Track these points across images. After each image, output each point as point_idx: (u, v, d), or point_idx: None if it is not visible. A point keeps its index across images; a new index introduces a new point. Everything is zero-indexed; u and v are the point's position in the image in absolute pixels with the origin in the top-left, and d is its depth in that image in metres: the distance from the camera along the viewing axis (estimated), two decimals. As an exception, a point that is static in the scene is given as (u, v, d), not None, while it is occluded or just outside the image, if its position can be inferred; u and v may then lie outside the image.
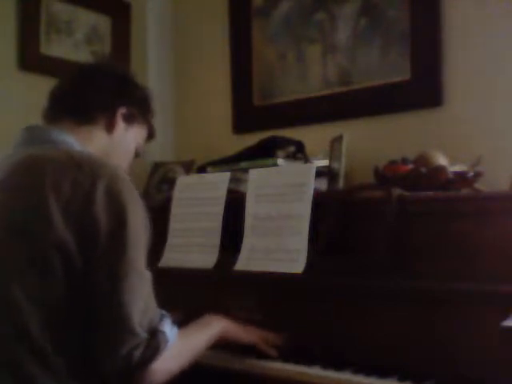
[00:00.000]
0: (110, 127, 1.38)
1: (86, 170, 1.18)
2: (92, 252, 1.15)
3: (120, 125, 1.39)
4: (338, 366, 1.38)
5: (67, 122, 1.35)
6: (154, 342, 1.17)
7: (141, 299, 1.17)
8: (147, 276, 1.21)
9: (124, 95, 1.40)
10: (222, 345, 1.45)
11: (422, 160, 1.65)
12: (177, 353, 1.26)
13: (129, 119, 1.40)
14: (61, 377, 1.14)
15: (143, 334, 1.16)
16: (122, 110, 1.39)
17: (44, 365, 1.13)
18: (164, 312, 1.25)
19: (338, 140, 1.88)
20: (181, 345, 1.28)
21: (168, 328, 1.22)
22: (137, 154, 1.49)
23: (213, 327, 1.42)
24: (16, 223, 1.17)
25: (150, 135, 1.52)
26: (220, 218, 1.82)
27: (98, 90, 1.38)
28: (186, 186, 1.97)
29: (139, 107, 1.43)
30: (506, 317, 1.21)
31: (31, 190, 1.17)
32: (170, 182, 2.15)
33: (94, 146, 1.35)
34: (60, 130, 1.32)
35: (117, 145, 1.40)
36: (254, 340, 1.49)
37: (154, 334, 1.19)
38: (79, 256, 1.14)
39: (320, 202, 1.64)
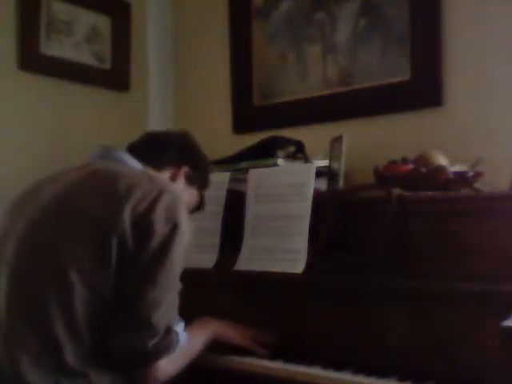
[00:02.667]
0: (173, 177, 1.57)
1: (156, 184, 1.38)
2: (141, 249, 1.29)
3: (181, 179, 1.58)
4: (338, 366, 1.39)
5: (142, 162, 1.53)
6: (168, 337, 1.31)
7: (166, 301, 1.31)
8: (177, 285, 1.36)
9: (190, 158, 1.62)
10: (213, 346, 1.53)
11: (422, 160, 1.65)
12: (179, 356, 1.37)
13: (188, 179, 1.60)
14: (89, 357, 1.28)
15: (160, 329, 1.29)
16: (185, 169, 1.58)
17: (77, 342, 1.27)
18: (179, 320, 1.38)
19: (338, 140, 1.88)
20: (182, 350, 1.39)
21: (181, 330, 1.36)
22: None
23: (206, 331, 1.54)
24: (91, 213, 1.32)
25: (200, 206, 1.69)
26: (220, 218, 1.82)
27: (172, 147, 1.60)
28: (186, 186, 1.97)
29: (199, 173, 1.64)
30: (506, 317, 1.21)
31: (108, 190, 1.34)
32: (170, 182, 2.15)
33: None
34: (133, 158, 1.51)
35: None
36: (243, 342, 1.56)
37: (169, 331, 1.32)
38: (132, 248, 1.28)
39: (320, 202, 1.64)
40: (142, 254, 1.29)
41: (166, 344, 1.30)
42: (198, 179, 1.64)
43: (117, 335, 1.29)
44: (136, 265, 1.29)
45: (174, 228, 1.33)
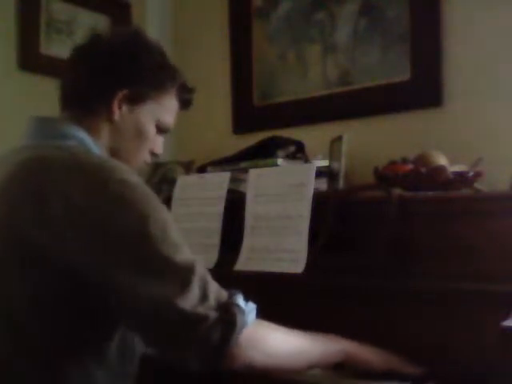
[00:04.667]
0: (109, 115, 1.24)
1: (92, 177, 1.09)
2: (106, 257, 1.05)
3: (122, 109, 1.24)
4: (338, 366, 1.38)
5: (72, 114, 1.25)
6: (228, 316, 1.07)
7: (187, 286, 1.06)
8: (188, 259, 1.11)
9: (122, 74, 1.24)
10: (347, 366, 1.31)
11: (422, 160, 1.65)
12: (272, 335, 1.16)
13: (135, 99, 1.25)
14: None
15: (211, 314, 1.05)
16: (122, 93, 1.23)
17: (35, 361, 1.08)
18: (233, 290, 1.16)
19: (338, 140, 1.88)
20: (281, 333, 1.19)
21: (241, 301, 1.12)
22: (163, 131, 1.33)
23: (331, 343, 1.28)
24: (19, 226, 1.08)
25: (184, 103, 1.37)
26: (220, 218, 1.82)
27: (90, 76, 1.24)
28: (186, 186, 1.97)
29: (148, 81, 1.26)
30: (506, 317, 1.21)
31: (36, 194, 1.08)
32: (170, 182, 2.15)
33: (102, 140, 1.25)
34: (71, 124, 1.22)
35: (124, 131, 1.26)
36: (387, 365, 1.30)
37: (226, 308, 1.08)
38: (88, 260, 1.05)
39: (320, 202, 1.64)
40: (114, 263, 1.05)
41: (230, 321, 1.06)
42: (152, 86, 1.26)
43: (177, 354, 1.08)
44: (112, 276, 1.04)
45: (136, 218, 1.06)
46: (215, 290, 1.11)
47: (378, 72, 2.07)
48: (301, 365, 1.24)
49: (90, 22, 2.37)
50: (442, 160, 1.64)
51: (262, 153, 1.96)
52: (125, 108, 1.25)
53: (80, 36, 2.32)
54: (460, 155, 1.68)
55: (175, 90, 1.33)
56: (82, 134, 1.21)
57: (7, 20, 2.16)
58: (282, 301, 1.60)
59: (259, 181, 1.79)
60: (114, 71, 1.23)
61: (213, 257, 1.79)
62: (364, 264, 1.49)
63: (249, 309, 1.13)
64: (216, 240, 1.81)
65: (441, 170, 1.58)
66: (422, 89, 1.96)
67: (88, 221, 1.05)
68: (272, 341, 1.16)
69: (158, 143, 1.35)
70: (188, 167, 2.29)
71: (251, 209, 1.77)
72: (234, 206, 1.81)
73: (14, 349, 1.08)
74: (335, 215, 1.61)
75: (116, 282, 1.05)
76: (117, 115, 1.24)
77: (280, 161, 1.91)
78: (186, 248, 1.13)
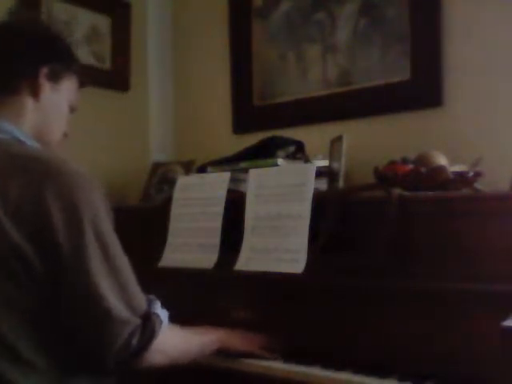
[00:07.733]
0: (35, 92, 1.28)
1: (31, 172, 1.13)
2: (53, 255, 1.11)
3: (46, 86, 1.29)
4: (338, 366, 1.39)
5: None
6: (149, 325, 1.18)
7: (120, 288, 1.16)
8: (123, 264, 1.18)
9: (42, 54, 1.29)
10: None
11: (422, 160, 1.65)
12: (174, 339, 1.29)
13: (54, 77, 1.30)
14: (35, 373, 1.13)
15: (135, 320, 1.16)
16: (44, 71, 1.28)
17: (16, 362, 1.11)
18: (151, 296, 1.26)
19: (338, 140, 1.88)
20: (179, 335, 1.32)
21: (159, 310, 1.24)
22: (72, 110, 1.39)
23: (207, 336, 1.44)
24: None
25: (81, 84, 1.40)
26: (220, 218, 1.82)
27: (10, 55, 1.28)
28: (186, 186, 1.97)
29: (62, 61, 1.32)
30: (506, 317, 1.21)
31: None
32: (170, 182, 2.15)
33: (27, 120, 1.28)
34: None
35: (48, 109, 1.31)
36: (250, 349, 1.49)
37: (148, 317, 1.19)
38: (38, 260, 1.11)
39: (320, 202, 1.64)
40: (62, 262, 1.11)
41: (150, 331, 1.17)
42: (65, 66, 1.32)
43: (96, 350, 1.14)
44: (62, 277, 1.12)
45: (76, 214, 1.12)
46: (139, 296, 1.21)
47: (377, 72, 2.07)
48: (191, 359, 1.36)
49: (90, 22, 2.37)
50: (442, 160, 1.64)
51: (262, 153, 1.96)
52: (47, 85, 1.29)
53: (80, 36, 2.33)
54: (460, 155, 1.68)
55: (77, 74, 1.38)
56: (9, 127, 1.24)
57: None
58: (282, 301, 1.60)
59: (259, 181, 1.79)
60: (33, 51, 1.28)
61: (213, 257, 1.79)
62: (364, 264, 1.49)
63: (163, 316, 1.24)
64: (216, 240, 1.81)
65: (441, 169, 1.58)
66: (422, 89, 1.96)
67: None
68: (172, 344, 1.28)
69: (68, 124, 1.40)
70: (188, 167, 2.29)
71: (251, 209, 1.77)
72: (234, 206, 1.81)
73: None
74: (335, 215, 1.61)
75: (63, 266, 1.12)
76: (41, 91, 1.28)
77: (280, 161, 1.91)
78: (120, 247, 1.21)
